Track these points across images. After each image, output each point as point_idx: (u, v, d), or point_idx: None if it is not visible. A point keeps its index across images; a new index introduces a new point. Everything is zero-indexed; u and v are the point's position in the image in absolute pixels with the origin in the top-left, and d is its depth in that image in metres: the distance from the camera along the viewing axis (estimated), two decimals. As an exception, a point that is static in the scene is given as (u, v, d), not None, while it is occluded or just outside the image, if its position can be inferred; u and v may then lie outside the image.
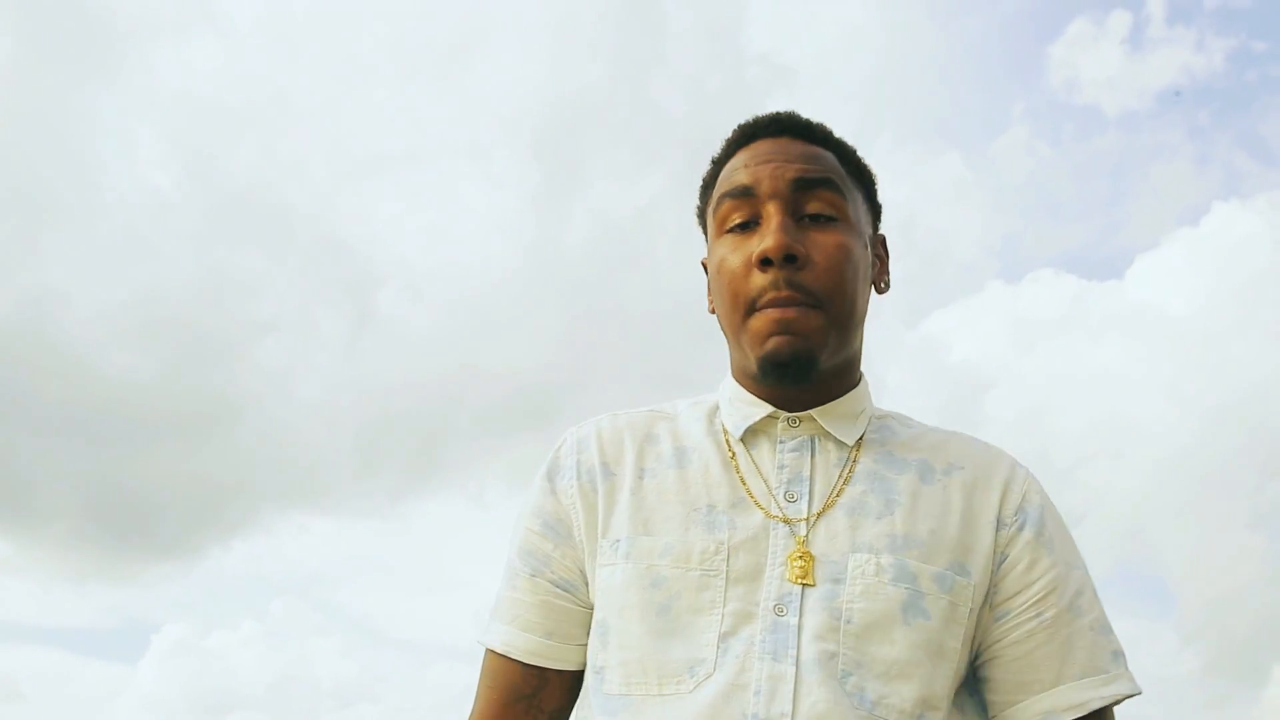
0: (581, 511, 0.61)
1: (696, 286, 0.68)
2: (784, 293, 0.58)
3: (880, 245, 0.66)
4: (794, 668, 0.54)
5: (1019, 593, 0.58)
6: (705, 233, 0.66)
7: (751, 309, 0.59)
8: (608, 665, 0.58)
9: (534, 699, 0.62)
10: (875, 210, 0.66)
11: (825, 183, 0.60)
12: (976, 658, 0.60)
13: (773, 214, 0.59)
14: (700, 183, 0.67)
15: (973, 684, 0.61)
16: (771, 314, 0.58)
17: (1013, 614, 0.58)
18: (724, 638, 0.55)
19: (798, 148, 0.62)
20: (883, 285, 0.65)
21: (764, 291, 0.58)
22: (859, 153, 0.65)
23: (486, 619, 0.64)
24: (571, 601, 0.61)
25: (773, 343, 0.58)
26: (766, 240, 0.58)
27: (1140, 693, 0.59)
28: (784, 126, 0.63)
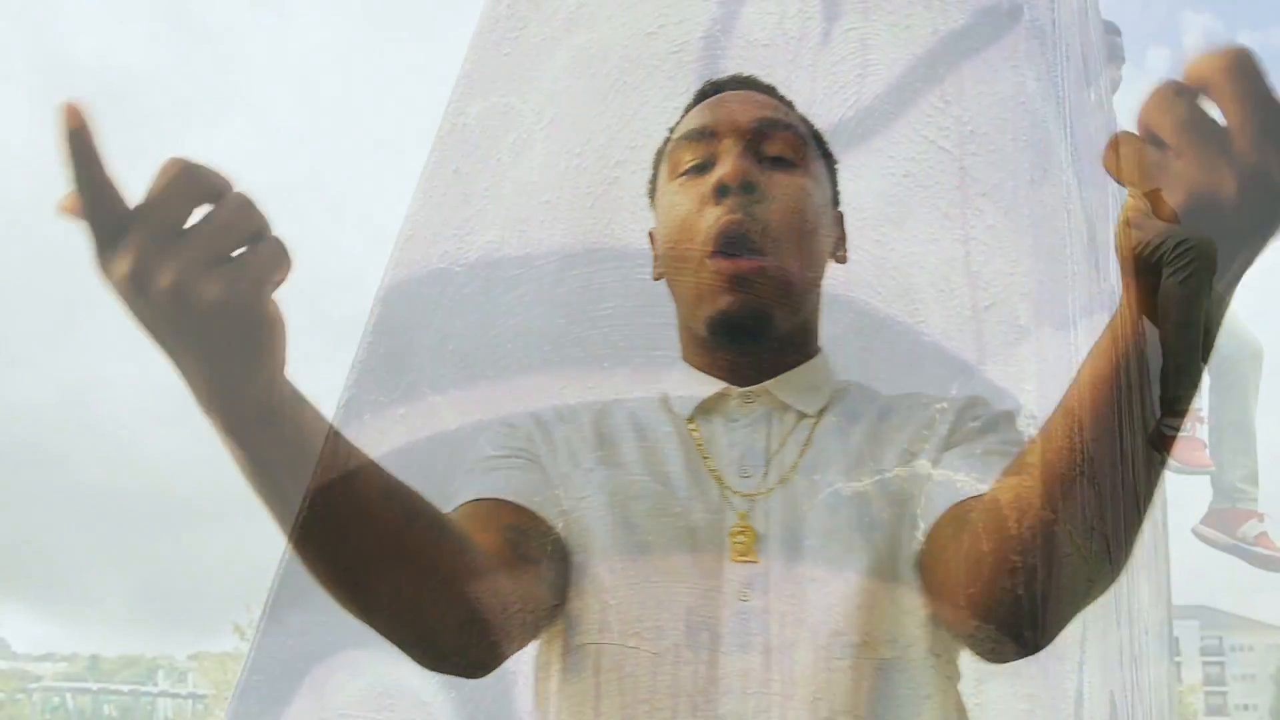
0: (541, 440, 0.55)
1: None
2: (738, 217, 0.52)
3: (839, 222, 0.61)
4: (763, 654, 0.49)
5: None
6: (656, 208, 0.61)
7: (700, 255, 0.53)
8: (585, 611, 0.51)
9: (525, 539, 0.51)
10: (835, 190, 0.61)
11: (788, 126, 0.56)
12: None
13: (730, 147, 0.54)
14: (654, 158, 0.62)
15: None
16: (721, 266, 0.52)
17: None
18: (691, 613, 0.50)
19: (761, 98, 0.59)
20: (841, 254, 0.60)
21: (716, 224, 0.52)
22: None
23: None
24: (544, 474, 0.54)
25: (724, 300, 0.53)
26: (723, 168, 0.53)
27: None
28: (747, 83, 0.60)
